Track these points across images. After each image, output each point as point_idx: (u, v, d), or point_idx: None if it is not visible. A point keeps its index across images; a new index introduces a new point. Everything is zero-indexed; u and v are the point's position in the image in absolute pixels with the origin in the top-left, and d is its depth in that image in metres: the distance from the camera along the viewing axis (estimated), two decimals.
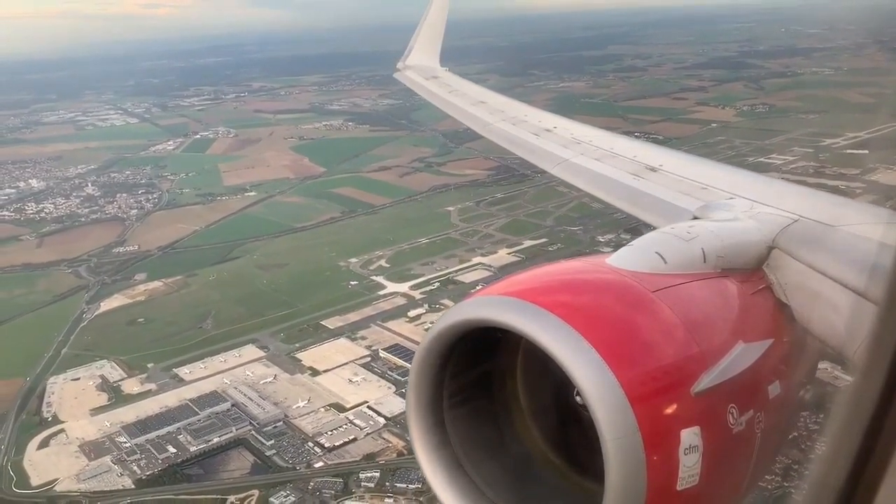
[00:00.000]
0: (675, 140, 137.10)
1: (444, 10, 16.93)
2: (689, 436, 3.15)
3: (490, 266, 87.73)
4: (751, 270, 4.36)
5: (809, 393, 4.52)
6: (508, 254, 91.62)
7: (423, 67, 15.32)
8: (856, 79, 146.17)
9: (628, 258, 3.84)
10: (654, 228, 4.79)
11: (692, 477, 3.14)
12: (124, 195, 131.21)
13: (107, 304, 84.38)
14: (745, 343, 3.60)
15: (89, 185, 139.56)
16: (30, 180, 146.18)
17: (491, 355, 3.88)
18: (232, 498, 50.70)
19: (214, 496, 51.13)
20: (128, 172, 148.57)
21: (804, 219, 4.77)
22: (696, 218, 5.14)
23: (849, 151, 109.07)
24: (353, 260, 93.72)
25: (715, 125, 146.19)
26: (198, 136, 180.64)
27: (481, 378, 3.89)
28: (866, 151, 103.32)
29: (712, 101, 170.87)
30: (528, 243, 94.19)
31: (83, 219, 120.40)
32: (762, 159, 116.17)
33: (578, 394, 3.09)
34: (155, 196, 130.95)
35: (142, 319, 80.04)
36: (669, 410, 3.17)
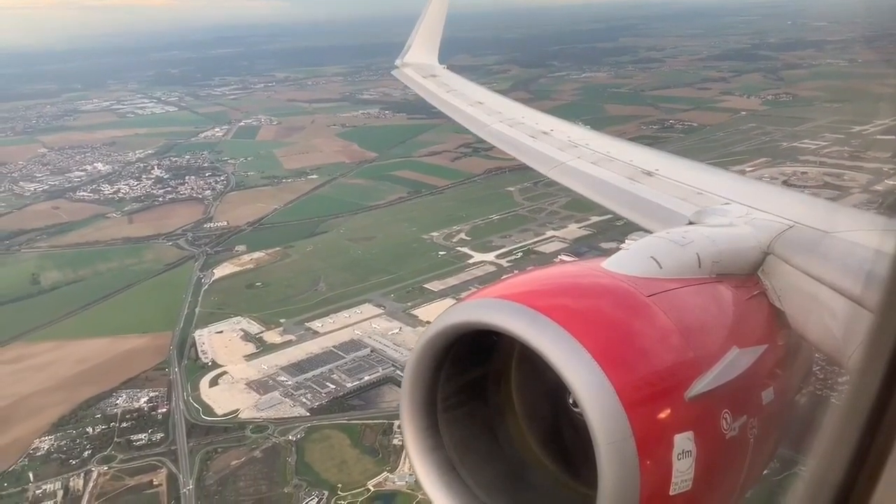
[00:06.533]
0: (710, 127, 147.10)
1: (444, 6, 16.66)
2: (683, 441, 3.18)
3: (564, 238, 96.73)
4: (746, 276, 4.39)
5: (803, 398, 4.57)
6: (579, 228, 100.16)
7: (421, 65, 15.32)
8: (873, 70, 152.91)
9: (624, 262, 3.89)
10: (650, 233, 5.00)
11: (685, 482, 3.18)
12: (192, 177, 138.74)
13: (220, 271, 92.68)
14: (740, 348, 3.64)
15: (156, 168, 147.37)
16: (95, 164, 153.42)
17: (486, 358, 3.93)
18: (398, 421, 59.39)
19: (381, 420, 60.00)
20: (187, 157, 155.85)
21: (800, 225, 4.79)
22: (691, 223, 5.16)
23: (879, 137, 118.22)
24: (435, 234, 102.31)
25: (744, 113, 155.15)
26: (242, 124, 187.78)
27: (476, 381, 3.93)
28: (894, 137, 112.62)
29: (736, 90, 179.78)
30: (594, 219, 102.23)
31: (160, 199, 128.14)
32: (796, 144, 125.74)
33: (572, 397, 3.13)
34: (222, 178, 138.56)
35: (259, 283, 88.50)
36: (663, 415, 3.20)
